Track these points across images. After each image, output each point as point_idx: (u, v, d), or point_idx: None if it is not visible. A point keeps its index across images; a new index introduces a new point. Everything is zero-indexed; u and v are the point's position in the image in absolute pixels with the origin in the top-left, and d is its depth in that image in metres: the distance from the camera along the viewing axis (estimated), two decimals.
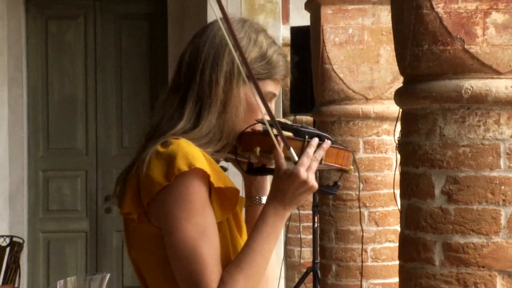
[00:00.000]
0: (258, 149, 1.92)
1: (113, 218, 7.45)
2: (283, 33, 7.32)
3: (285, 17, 7.63)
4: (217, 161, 2.01)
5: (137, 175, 1.95)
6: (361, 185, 5.03)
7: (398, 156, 3.01)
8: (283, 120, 2.01)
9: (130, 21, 7.53)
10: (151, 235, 1.94)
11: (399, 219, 2.95)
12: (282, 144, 1.91)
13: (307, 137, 1.93)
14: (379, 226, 5.17)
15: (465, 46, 2.66)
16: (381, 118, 5.17)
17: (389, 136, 5.14)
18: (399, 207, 2.91)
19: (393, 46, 2.97)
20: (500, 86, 2.65)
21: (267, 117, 1.93)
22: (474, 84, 2.66)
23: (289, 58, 6.84)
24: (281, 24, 7.25)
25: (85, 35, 7.51)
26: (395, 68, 3.25)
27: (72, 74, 7.49)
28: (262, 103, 1.89)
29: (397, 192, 3.03)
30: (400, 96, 2.90)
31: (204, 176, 1.87)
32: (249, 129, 1.97)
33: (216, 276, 1.85)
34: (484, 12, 2.66)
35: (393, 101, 3.05)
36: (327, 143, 1.95)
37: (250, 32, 2.02)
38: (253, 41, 2.00)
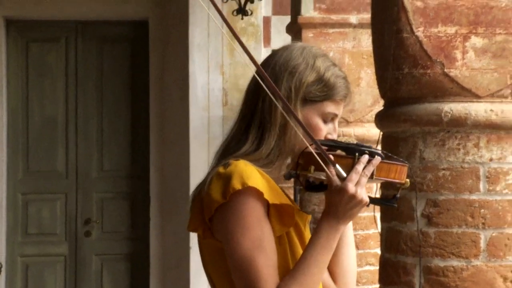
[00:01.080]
0: (312, 167, 2.06)
1: (93, 241, 7.41)
2: (265, 56, 7.32)
3: (267, 40, 7.64)
4: (278, 180, 2.14)
5: (201, 196, 2.11)
6: None
7: None
8: (340, 139, 2.12)
9: (112, 44, 7.51)
10: (216, 249, 2.09)
11: (379, 242, 2.95)
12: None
13: (357, 154, 2.06)
14: (359, 249, 5.16)
15: (445, 70, 2.67)
16: (362, 141, 5.17)
17: None
18: (379, 230, 2.91)
19: (373, 69, 2.99)
20: (479, 109, 2.66)
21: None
22: (453, 108, 2.67)
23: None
24: (263, 47, 7.27)
25: (66, 57, 7.49)
26: (376, 91, 3.26)
27: (52, 96, 7.46)
28: (301, 127, 2.06)
29: (378, 215, 3.03)
30: (380, 119, 2.91)
31: (258, 194, 2.02)
32: (307, 149, 2.08)
33: (271, 285, 1.97)
34: (463, 36, 2.68)
35: (373, 124, 3.06)
36: (377, 159, 2.07)
37: (308, 57, 2.14)
38: (310, 66, 2.13)
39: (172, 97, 7.25)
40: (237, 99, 6.90)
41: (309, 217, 2.18)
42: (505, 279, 2.64)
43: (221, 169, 2.06)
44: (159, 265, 7.33)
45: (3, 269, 7.14)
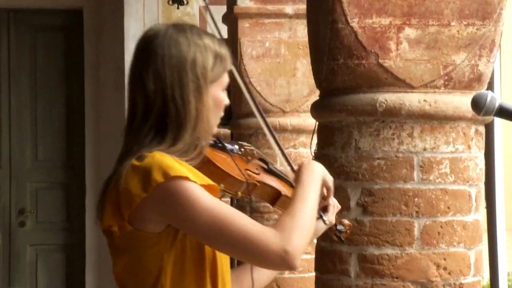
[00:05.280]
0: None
1: (27, 232, 7.32)
2: None
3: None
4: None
5: (116, 189, 2.03)
6: None
7: None
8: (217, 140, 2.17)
9: (45, 32, 7.41)
10: (141, 238, 2.02)
11: None
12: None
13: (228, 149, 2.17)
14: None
15: (379, 61, 2.71)
16: (298, 130, 5.21)
17: (306, 149, 5.18)
18: None
19: (309, 59, 3.01)
20: (413, 100, 2.70)
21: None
22: (388, 98, 2.71)
23: None
24: None
25: None
26: (312, 81, 3.29)
27: None
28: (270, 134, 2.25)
29: None
30: (316, 109, 2.93)
31: (186, 179, 1.98)
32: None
33: (270, 233, 1.97)
34: (397, 27, 2.71)
35: (309, 114, 3.09)
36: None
37: (197, 40, 2.10)
38: (204, 48, 2.10)
39: (107, 88, 7.19)
40: None
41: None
42: (438, 266, 2.69)
43: (135, 162, 2.00)
44: (95, 256, 7.27)
45: None
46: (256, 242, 1.96)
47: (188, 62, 2.07)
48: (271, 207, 2.27)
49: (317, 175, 2.13)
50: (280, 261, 1.96)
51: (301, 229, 2.00)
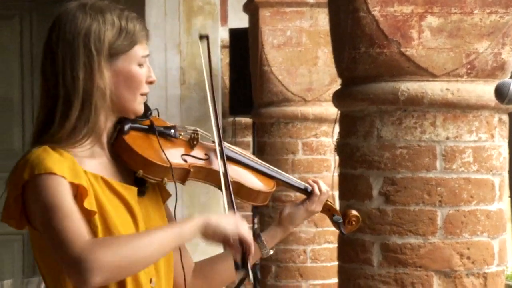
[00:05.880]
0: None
1: None
2: (222, 35, 7.31)
3: (224, 19, 7.62)
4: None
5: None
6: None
7: (337, 157, 3.03)
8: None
9: None
10: (35, 236, 2.01)
11: None
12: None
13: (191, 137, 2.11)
14: (318, 227, 5.19)
15: (401, 49, 2.69)
16: (320, 120, 5.20)
17: (327, 138, 5.17)
18: (338, 209, 2.93)
19: (331, 48, 3.00)
20: (435, 88, 2.68)
21: None
22: (410, 87, 2.69)
23: (227, 60, 6.85)
24: (220, 26, 7.24)
25: (20, 35, 7.39)
26: (333, 70, 3.28)
27: (7, 75, 7.37)
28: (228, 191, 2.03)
29: (336, 193, 3.05)
30: (338, 98, 2.92)
31: (50, 177, 1.91)
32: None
33: (81, 242, 1.85)
34: (419, 15, 2.70)
35: (331, 103, 3.08)
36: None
37: (96, 15, 2.07)
38: (102, 21, 2.06)
39: None
40: (194, 78, 6.88)
41: (135, 190, 2.07)
42: (461, 255, 2.68)
43: (22, 159, 1.99)
44: None
45: None
46: (64, 239, 1.85)
47: (81, 35, 2.01)
48: (292, 196, 2.24)
49: (202, 227, 1.93)
50: (74, 268, 1.84)
51: (121, 252, 1.85)
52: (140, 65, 2.09)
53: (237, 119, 7.12)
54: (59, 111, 2.00)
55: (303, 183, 2.22)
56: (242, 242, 1.96)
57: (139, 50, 2.09)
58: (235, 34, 6.63)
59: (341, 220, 2.24)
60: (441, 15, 2.70)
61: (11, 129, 7.40)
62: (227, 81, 6.97)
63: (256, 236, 2.17)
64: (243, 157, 2.22)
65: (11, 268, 7.44)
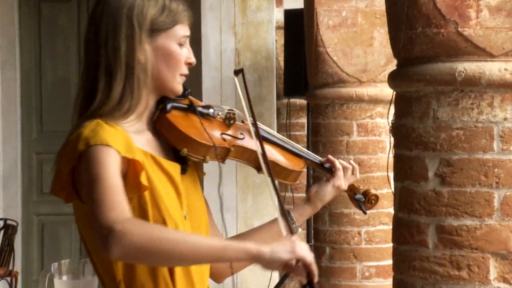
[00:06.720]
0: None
1: None
2: (277, 16, 7.30)
3: (279, 0, 7.61)
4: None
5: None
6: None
7: (392, 139, 3.02)
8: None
9: None
10: (82, 211, 2.05)
11: (392, 202, 2.96)
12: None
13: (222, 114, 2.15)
14: (373, 209, 5.17)
15: (459, 29, 2.66)
16: (375, 101, 5.17)
17: (382, 119, 5.15)
18: (393, 190, 2.92)
19: (386, 29, 2.97)
20: (493, 68, 2.65)
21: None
22: (467, 67, 2.66)
23: (282, 42, 6.84)
24: (275, 7, 7.23)
25: (78, 18, 7.47)
26: (389, 51, 3.25)
27: (65, 57, 7.46)
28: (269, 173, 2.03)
29: (391, 175, 3.04)
30: (393, 79, 2.90)
31: (104, 149, 1.95)
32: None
33: (118, 213, 1.87)
34: None
35: (386, 84, 3.05)
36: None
37: None
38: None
39: None
40: (249, 59, 6.88)
41: (179, 167, 2.09)
42: None
43: (74, 133, 2.03)
44: None
45: (19, 228, 7.20)
46: (103, 207, 1.87)
47: (124, 8, 2.06)
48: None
49: (255, 255, 1.86)
50: (101, 234, 1.85)
51: (150, 240, 1.82)
52: (180, 44, 2.13)
53: (292, 100, 7.11)
54: (102, 82, 2.05)
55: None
56: (304, 265, 1.91)
57: (180, 29, 2.13)
58: (290, 15, 6.61)
59: (363, 199, 2.26)
60: None
61: (68, 111, 7.49)
62: (282, 63, 6.97)
63: (285, 213, 2.16)
64: (274, 137, 2.24)
65: (69, 248, 7.56)
